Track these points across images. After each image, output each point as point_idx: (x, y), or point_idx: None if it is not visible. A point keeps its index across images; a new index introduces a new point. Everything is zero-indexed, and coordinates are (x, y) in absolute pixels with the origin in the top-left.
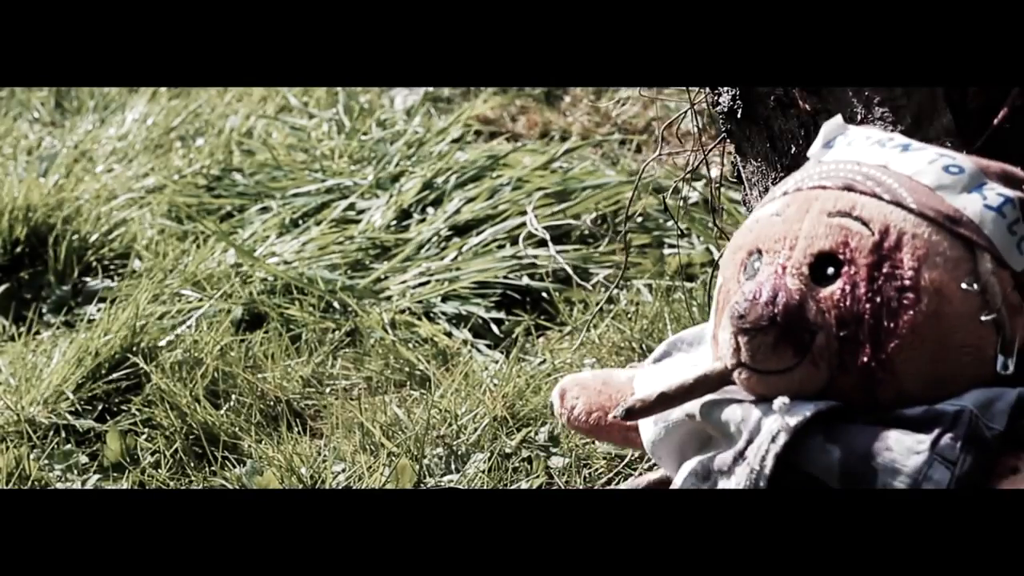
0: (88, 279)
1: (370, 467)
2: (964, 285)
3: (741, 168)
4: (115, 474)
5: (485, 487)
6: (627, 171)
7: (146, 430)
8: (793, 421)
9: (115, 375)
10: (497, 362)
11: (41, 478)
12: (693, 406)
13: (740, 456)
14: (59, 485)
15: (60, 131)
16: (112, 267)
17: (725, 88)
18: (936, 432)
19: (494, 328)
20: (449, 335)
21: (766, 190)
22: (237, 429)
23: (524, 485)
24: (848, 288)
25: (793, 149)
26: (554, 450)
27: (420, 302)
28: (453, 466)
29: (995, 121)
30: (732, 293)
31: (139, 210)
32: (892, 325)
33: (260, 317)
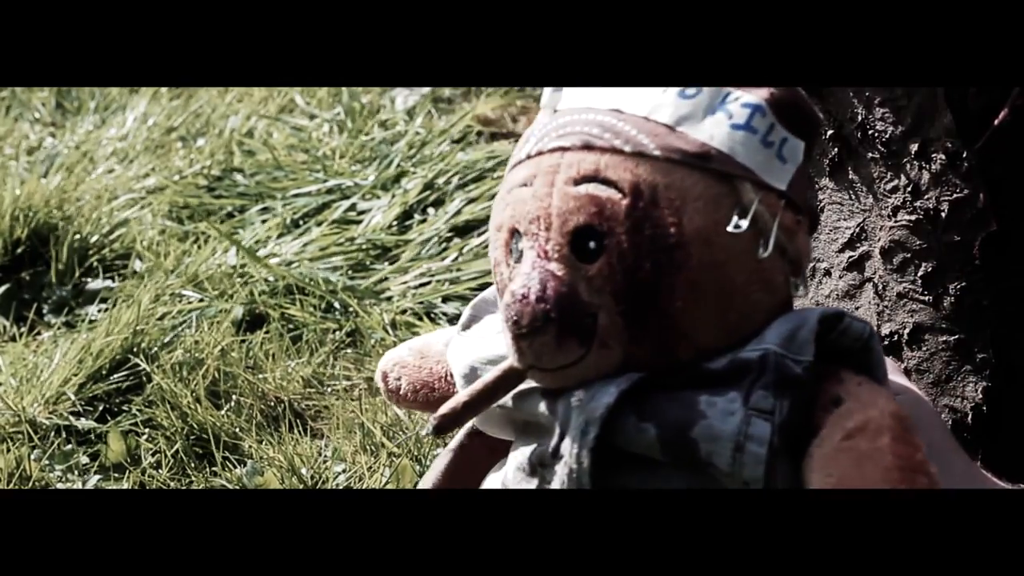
0: (89, 279)
1: (371, 467)
2: (730, 228)
3: None
4: (116, 474)
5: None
6: None
7: (147, 430)
8: (598, 411)
9: (116, 375)
10: None
11: (42, 478)
12: (505, 399)
13: (557, 452)
14: (60, 485)
15: (61, 131)
16: (113, 267)
17: None
18: (746, 385)
19: None
20: None
21: None
22: (238, 429)
23: None
24: (614, 261)
25: None
26: None
27: (421, 303)
28: None
29: (995, 121)
30: (505, 278)
31: (140, 210)
32: (669, 287)
33: (261, 317)
